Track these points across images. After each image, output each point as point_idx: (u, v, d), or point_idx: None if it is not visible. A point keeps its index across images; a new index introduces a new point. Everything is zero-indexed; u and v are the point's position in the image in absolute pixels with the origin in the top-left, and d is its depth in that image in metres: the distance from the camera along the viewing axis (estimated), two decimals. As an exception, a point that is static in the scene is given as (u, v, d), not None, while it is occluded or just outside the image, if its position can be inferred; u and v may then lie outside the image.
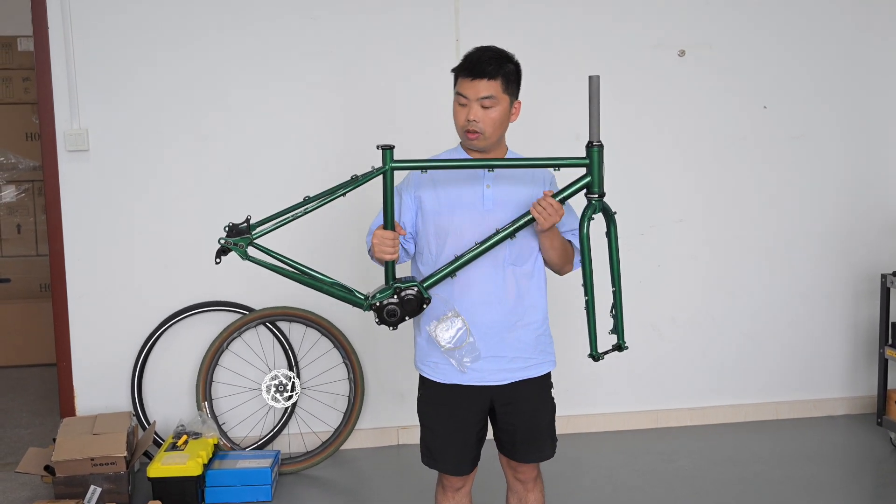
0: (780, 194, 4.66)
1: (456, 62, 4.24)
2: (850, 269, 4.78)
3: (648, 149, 4.51)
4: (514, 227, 2.59)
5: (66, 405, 4.23)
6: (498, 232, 2.59)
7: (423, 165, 2.60)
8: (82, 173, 4.11)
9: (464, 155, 2.69)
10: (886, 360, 4.44)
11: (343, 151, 4.25)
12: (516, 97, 2.65)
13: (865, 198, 4.75)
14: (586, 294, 2.69)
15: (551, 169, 2.74)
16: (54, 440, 3.85)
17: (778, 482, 3.98)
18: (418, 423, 2.84)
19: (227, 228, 2.69)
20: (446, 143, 4.09)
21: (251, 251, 2.66)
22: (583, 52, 4.40)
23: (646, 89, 4.47)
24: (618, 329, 2.73)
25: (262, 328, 4.29)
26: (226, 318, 4.25)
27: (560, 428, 2.88)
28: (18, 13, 5.41)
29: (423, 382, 2.78)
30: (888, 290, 4.42)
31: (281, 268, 2.71)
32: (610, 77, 4.36)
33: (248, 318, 4.19)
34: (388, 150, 2.57)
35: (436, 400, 2.75)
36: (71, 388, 4.21)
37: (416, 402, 2.83)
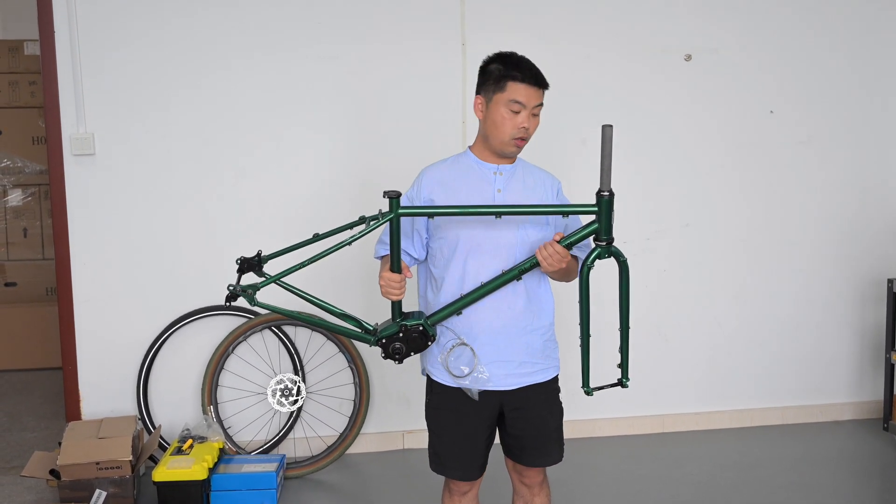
0: (786, 199, 4.65)
1: (461, 65, 4.29)
2: (857, 273, 4.77)
3: (654, 153, 4.51)
4: (519, 269, 2.60)
5: (71, 409, 4.23)
6: (504, 273, 2.60)
7: (431, 212, 2.58)
8: (88, 177, 4.11)
9: (474, 159, 2.70)
10: (893, 365, 4.44)
11: (348, 155, 4.25)
12: None
13: (872, 202, 4.74)
14: (582, 333, 2.68)
15: (556, 177, 2.77)
16: (60, 444, 3.85)
17: (784, 487, 3.97)
18: (424, 428, 2.84)
19: (238, 262, 2.74)
20: (452, 145, 4.11)
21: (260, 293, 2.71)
22: (589, 56, 4.39)
23: (652, 93, 4.46)
24: (623, 367, 2.74)
25: (267, 332, 4.29)
26: (231, 322, 4.25)
27: (566, 432, 2.87)
28: (25, 17, 5.43)
29: (432, 387, 2.78)
30: (895, 294, 4.41)
31: (290, 312, 2.86)
32: (616, 81, 4.42)
33: (254, 322, 4.19)
34: (394, 198, 2.55)
35: (444, 405, 2.74)
36: (76, 391, 4.22)
37: (421, 406, 2.83)
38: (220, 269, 4.16)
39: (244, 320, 4.22)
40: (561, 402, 2.81)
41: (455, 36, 4.26)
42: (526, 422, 2.73)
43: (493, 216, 2.59)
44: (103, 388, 4.22)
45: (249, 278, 2.83)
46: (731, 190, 4.60)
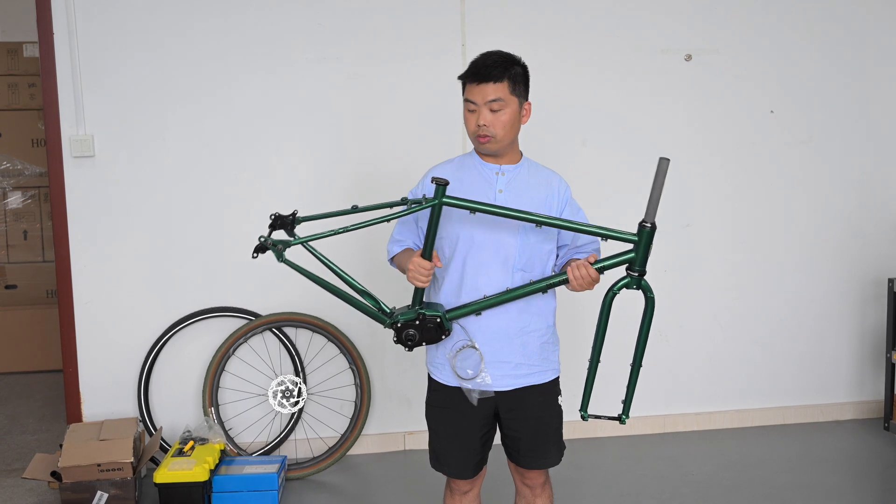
0: (786, 199, 4.66)
1: (463, 66, 4.27)
2: (857, 273, 4.77)
3: (655, 153, 4.49)
4: (547, 283, 2.60)
5: (72, 411, 4.23)
6: (532, 283, 2.60)
7: (473, 207, 2.55)
8: (88, 179, 4.11)
9: (478, 160, 2.70)
10: (894, 365, 4.44)
11: (348, 158, 4.25)
12: (525, 98, 2.65)
13: (872, 202, 4.74)
14: (592, 357, 2.68)
15: (565, 181, 2.75)
16: (61, 446, 3.86)
17: (784, 487, 3.97)
18: (425, 429, 2.85)
19: (272, 217, 2.72)
20: (452, 148, 4.11)
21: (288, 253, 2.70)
22: (590, 56, 4.39)
23: (653, 94, 4.46)
24: (626, 403, 2.75)
25: (268, 334, 4.29)
26: (232, 324, 4.25)
27: (567, 433, 2.88)
28: (24, 19, 5.43)
29: (431, 385, 2.79)
30: (895, 294, 4.41)
31: (313, 275, 2.76)
32: (617, 81, 4.42)
33: (255, 323, 4.19)
34: (441, 185, 2.54)
35: (441, 403, 2.75)
36: (77, 393, 4.21)
37: (422, 407, 2.84)
38: (220, 270, 4.18)
39: (245, 322, 4.22)
40: (560, 405, 2.80)
41: (455, 38, 4.26)
42: (521, 423, 2.73)
43: (497, 217, 2.59)
44: (104, 390, 4.22)
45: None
46: (732, 190, 4.60)
